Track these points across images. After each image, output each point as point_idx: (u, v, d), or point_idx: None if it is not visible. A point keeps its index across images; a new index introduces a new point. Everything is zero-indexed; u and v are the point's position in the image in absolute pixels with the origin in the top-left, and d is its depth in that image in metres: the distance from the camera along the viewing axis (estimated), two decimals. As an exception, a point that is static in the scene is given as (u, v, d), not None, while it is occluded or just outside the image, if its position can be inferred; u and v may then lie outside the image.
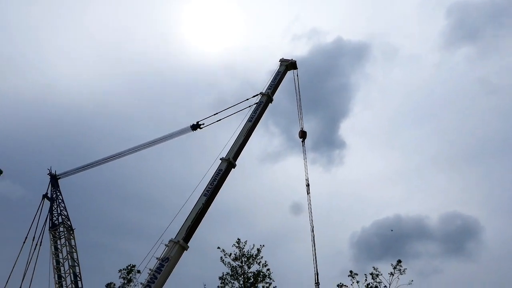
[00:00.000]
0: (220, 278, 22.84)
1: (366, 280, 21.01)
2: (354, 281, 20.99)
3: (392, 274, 20.57)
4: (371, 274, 20.95)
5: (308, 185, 35.34)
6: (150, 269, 39.24)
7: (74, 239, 47.22)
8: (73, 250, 46.47)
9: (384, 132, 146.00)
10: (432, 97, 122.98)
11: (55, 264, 45.10)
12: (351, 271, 21.11)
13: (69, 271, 44.74)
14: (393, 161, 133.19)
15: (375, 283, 20.71)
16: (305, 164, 36.77)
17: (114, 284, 17.66)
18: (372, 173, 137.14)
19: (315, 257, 31.75)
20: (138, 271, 18.52)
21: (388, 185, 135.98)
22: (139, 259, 27.74)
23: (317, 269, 30.90)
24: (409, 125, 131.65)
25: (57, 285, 43.97)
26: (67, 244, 46.33)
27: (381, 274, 20.97)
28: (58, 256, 45.37)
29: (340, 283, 20.82)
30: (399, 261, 20.77)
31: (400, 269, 20.63)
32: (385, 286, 20.62)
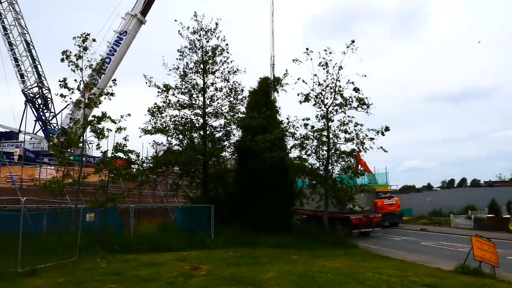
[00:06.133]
0: (179, 50, 23.73)
1: (320, 57, 23.20)
2: (309, 58, 23.10)
3: (344, 53, 22.77)
4: (325, 51, 23.01)
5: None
6: (108, 42, 38.99)
7: (17, 4, 43.84)
8: (19, 17, 43.85)
9: None
10: None
11: (2, 30, 43.14)
12: (307, 48, 23.11)
13: (20, 39, 43.31)
14: None
15: (325, 61, 23.05)
16: None
17: (70, 52, 17.74)
18: None
19: (273, 36, 32.84)
20: (94, 40, 18.52)
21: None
22: (95, 31, 27.14)
23: (273, 48, 32.40)
24: None
25: (10, 53, 43.35)
26: (11, 9, 43.36)
27: (334, 53, 23.15)
28: (3, 22, 43.01)
29: (296, 58, 22.99)
30: (353, 41, 22.65)
31: (353, 48, 22.75)
32: (336, 63, 23.19)
